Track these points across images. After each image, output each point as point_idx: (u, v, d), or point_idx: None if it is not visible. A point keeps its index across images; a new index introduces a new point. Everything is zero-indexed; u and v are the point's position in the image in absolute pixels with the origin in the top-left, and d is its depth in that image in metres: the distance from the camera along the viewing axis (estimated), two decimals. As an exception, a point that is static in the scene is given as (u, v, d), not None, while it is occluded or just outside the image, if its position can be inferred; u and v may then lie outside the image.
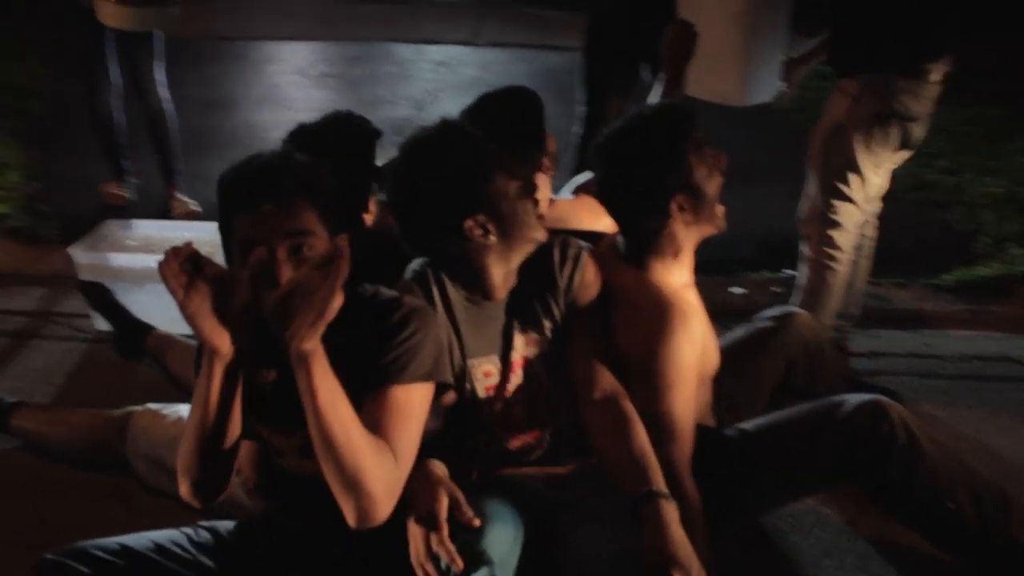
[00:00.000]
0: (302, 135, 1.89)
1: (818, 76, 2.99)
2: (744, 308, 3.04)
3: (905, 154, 2.54)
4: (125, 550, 1.57)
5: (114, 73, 3.62)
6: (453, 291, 1.68)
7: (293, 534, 1.64)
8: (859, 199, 2.52)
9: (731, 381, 2.03)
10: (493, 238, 1.61)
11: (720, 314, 3.08)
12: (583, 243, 1.78)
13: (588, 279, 1.76)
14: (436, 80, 5.64)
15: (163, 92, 3.69)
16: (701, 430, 1.83)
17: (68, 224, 3.45)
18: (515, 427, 1.72)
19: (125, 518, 2.11)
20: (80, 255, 2.86)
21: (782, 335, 2.13)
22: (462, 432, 1.69)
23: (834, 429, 1.83)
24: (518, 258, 1.70)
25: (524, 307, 1.72)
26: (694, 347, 1.74)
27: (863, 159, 2.44)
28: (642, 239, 1.81)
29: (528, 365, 1.71)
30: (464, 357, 1.68)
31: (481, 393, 1.69)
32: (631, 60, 3.29)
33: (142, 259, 2.78)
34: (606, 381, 1.69)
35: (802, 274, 2.68)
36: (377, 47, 6.30)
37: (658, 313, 1.72)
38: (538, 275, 1.72)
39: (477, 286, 1.68)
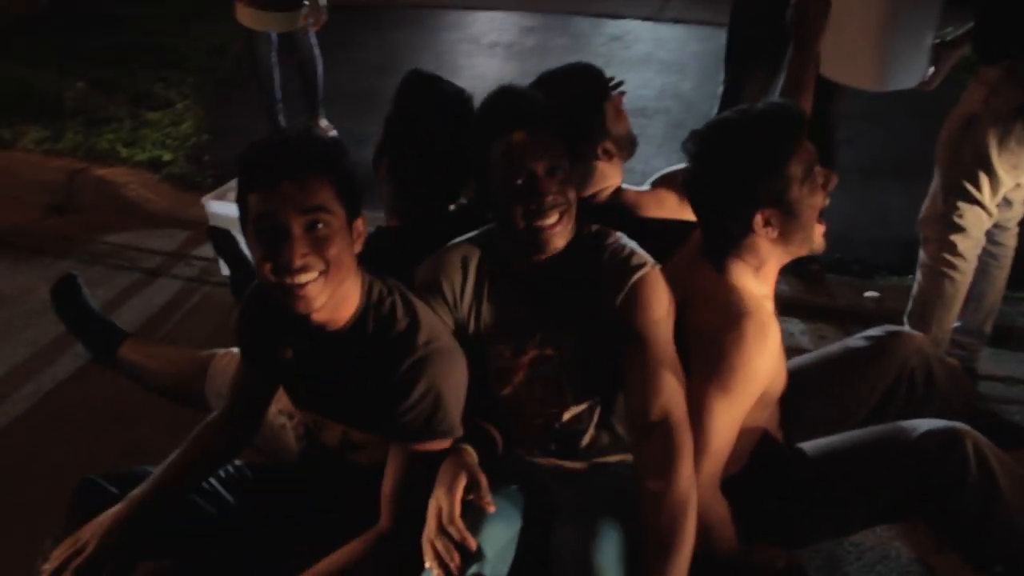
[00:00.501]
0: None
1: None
2: (874, 314, 2.81)
3: None
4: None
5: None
6: (500, 262, 1.64)
7: (320, 490, 1.68)
8: (988, 202, 2.23)
9: (814, 404, 1.87)
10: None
11: (847, 318, 2.90)
12: (647, 258, 1.59)
13: (644, 298, 1.54)
14: (606, 55, 5.50)
15: (313, 41, 3.99)
16: (764, 447, 1.71)
17: (223, 174, 3.67)
18: (522, 415, 1.64)
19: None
20: (211, 204, 3.04)
21: (881, 359, 1.91)
22: (481, 405, 1.64)
23: (900, 455, 1.64)
24: None
25: (564, 304, 1.60)
26: (766, 362, 1.54)
27: (996, 157, 2.14)
28: (722, 242, 1.62)
29: (541, 362, 1.62)
30: (480, 331, 1.64)
31: (492, 372, 1.63)
32: (776, 35, 3.02)
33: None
34: (660, 405, 1.47)
35: (917, 281, 2.41)
36: (555, 19, 6.25)
37: (735, 318, 1.53)
38: (590, 278, 1.58)
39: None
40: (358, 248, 1.49)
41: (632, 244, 1.61)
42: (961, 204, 2.24)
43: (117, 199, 3.66)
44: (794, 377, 1.95)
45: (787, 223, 1.56)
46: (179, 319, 2.86)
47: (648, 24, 6.19)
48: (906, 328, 2.15)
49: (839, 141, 3.09)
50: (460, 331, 1.64)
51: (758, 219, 1.54)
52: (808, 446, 1.76)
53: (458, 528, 1.38)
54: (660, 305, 1.55)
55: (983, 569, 1.72)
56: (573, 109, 1.76)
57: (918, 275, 2.40)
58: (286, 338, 1.60)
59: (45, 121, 4.27)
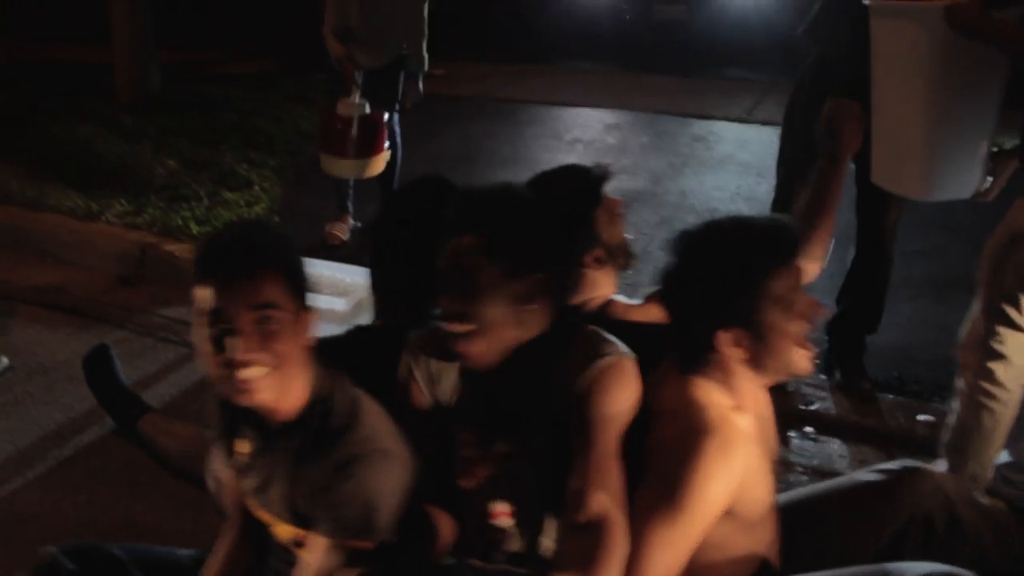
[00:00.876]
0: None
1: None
2: (926, 440, 2.58)
3: None
4: (110, 558, 1.68)
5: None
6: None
7: None
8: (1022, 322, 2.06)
9: (816, 538, 1.74)
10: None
11: (895, 444, 2.69)
12: (622, 349, 1.52)
13: (604, 386, 1.47)
14: (685, 154, 5.47)
15: (396, 129, 4.12)
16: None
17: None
18: (479, 512, 1.56)
19: (189, 529, 2.27)
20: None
21: (891, 497, 1.77)
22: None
23: None
24: None
25: (523, 401, 1.54)
26: (726, 482, 1.42)
27: None
28: (688, 353, 1.52)
29: (509, 460, 1.55)
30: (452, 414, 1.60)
31: (458, 461, 1.57)
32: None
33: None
34: (599, 502, 1.40)
35: (953, 410, 2.21)
36: (641, 116, 6.28)
37: (694, 432, 1.43)
38: (552, 371, 1.51)
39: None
40: (307, 341, 1.48)
41: (610, 337, 1.53)
42: (1001, 329, 2.08)
43: (182, 274, 3.80)
44: (798, 507, 1.83)
45: (756, 347, 1.45)
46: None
47: (736, 125, 6.15)
48: (925, 464, 1.96)
49: (912, 251, 2.94)
50: (437, 411, 1.61)
51: (723, 337, 1.44)
52: None
53: None
54: (620, 398, 1.47)
55: None
56: (561, 213, 1.71)
57: (955, 404, 2.23)
58: (244, 430, 1.59)
59: (131, 195, 4.51)
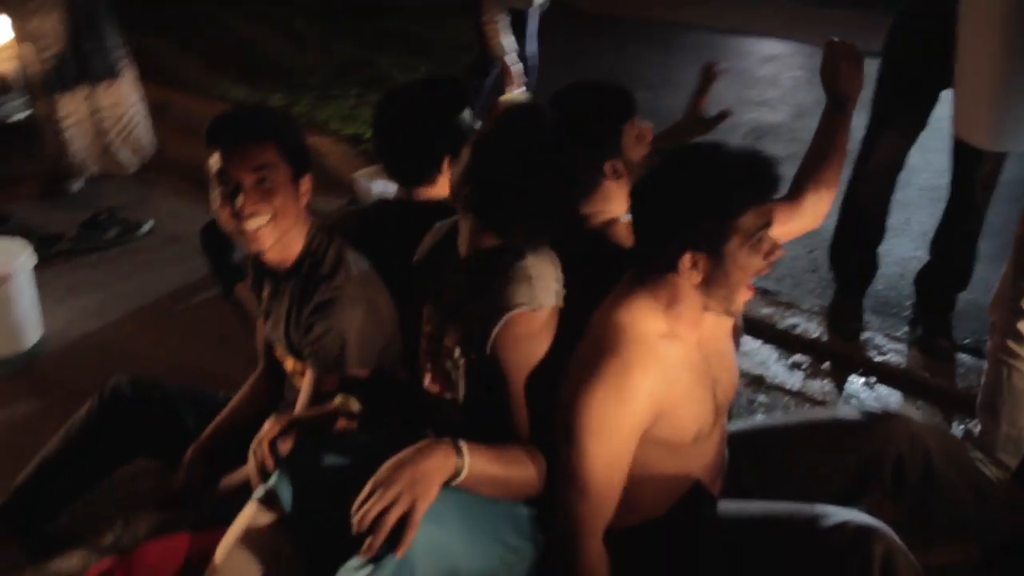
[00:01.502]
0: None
1: None
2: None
3: None
4: (165, 392, 2.05)
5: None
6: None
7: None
8: None
9: (785, 464, 1.80)
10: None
11: (961, 405, 2.59)
12: (541, 299, 1.56)
13: (510, 336, 1.55)
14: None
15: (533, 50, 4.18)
16: (690, 498, 1.65)
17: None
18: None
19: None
20: (360, 180, 3.37)
21: (862, 434, 1.80)
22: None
23: (806, 542, 1.55)
24: None
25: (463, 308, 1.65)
26: (631, 403, 1.47)
27: None
28: (647, 270, 1.55)
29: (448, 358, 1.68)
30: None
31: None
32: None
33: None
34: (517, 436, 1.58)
35: (985, 371, 2.14)
36: (802, 49, 5.97)
37: (601, 353, 1.49)
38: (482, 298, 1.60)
39: None
40: (304, 202, 1.78)
41: (541, 280, 1.58)
42: None
43: (314, 165, 4.11)
44: (773, 433, 1.87)
45: (714, 273, 1.48)
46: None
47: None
48: (902, 413, 1.95)
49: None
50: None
51: (686, 258, 1.48)
52: (730, 506, 1.67)
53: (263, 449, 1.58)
54: (523, 349, 1.56)
55: None
56: (591, 120, 1.79)
57: (987, 364, 2.15)
58: (264, 279, 1.90)
59: (288, 91, 4.89)
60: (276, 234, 1.72)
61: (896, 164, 2.74)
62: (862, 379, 2.76)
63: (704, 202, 1.46)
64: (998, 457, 2.14)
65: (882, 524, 1.50)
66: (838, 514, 1.53)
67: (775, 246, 1.49)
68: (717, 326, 1.65)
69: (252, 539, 1.57)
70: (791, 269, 3.32)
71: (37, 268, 2.84)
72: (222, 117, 1.76)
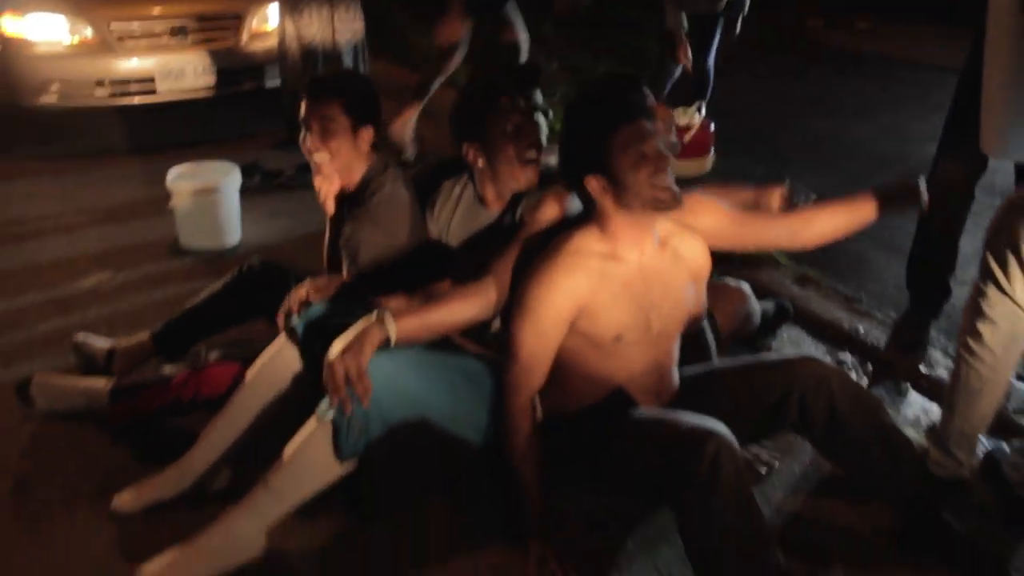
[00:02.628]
0: None
1: None
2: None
3: None
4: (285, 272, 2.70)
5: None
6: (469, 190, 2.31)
7: None
8: (1020, 297, 2.07)
9: (706, 403, 2.08)
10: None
11: None
12: (560, 192, 2.12)
13: (541, 214, 2.11)
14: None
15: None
16: (607, 404, 2.07)
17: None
18: None
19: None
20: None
21: (772, 373, 2.10)
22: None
23: (664, 440, 1.87)
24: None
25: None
26: (555, 295, 1.92)
27: None
28: (585, 212, 2.01)
29: None
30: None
31: None
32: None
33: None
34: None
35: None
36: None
37: (540, 258, 1.96)
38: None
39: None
40: (364, 147, 2.37)
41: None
42: (989, 290, 2.11)
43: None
44: (701, 377, 2.21)
45: (617, 189, 1.89)
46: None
47: None
48: (819, 358, 2.16)
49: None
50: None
51: (591, 184, 1.91)
52: (639, 410, 2.04)
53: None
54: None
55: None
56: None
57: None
58: (342, 202, 2.51)
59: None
60: (333, 167, 2.36)
61: (963, 192, 2.76)
62: (904, 387, 2.87)
63: (582, 134, 1.92)
64: (951, 449, 2.26)
65: (727, 431, 1.80)
66: (698, 420, 1.86)
67: (660, 158, 1.88)
68: (672, 267, 2.05)
69: (275, 362, 2.20)
70: (883, 285, 3.44)
71: (255, 194, 3.71)
72: (314, 79, 2.47)
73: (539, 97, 2.38)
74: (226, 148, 4.43)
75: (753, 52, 6.93)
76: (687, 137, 4.40)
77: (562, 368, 2.04)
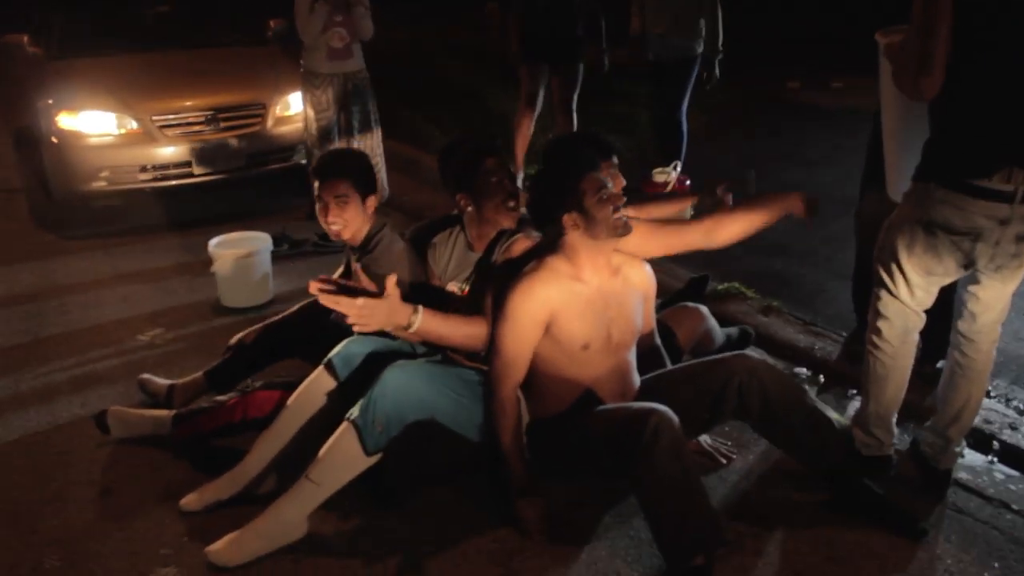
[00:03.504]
0: None
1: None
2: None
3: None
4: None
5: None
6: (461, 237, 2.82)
7: None
8: (905, 298, 2.54)
9: (662, 393, 2.53)
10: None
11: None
12: (531, 233, 2.65)
13: (514, 248, 2.65)
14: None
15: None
16: (579, 407, 2.53)
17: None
18: None
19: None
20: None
21: (712, 369, 2.57)
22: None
23: (619, 425, 2.34)
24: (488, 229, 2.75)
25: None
26: (532, 302, 2.40)
27: (905, 260, 2.48)
28: (551, 245, 2.52)
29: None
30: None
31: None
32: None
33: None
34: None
35: None
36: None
37: (523, 274, 2.47)
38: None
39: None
40: (370, 212, 2.91)
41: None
42: (883, 294, 2.58)
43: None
44: (662, 377, 2.67)
45: (587, 222, 2.40)
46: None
47: None
48: (748, 353, 2.63)
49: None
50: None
51: (566, 219, 2.41)
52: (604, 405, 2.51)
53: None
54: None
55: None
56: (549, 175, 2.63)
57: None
58: (350, 253, 3.04)
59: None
60: (348, 232, 2.89)
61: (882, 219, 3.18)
62: (851, 392, 3.31)
63: (556, 181, 2.44)
64: (871, 430, 2.69)
65: (666, 409, 2.26)
66: (643, 404, 2.34)
67: (617, 197, 2.40)
68: (624, 290, 2.55)
69: (312, 389, 2.68)
70: (838, 308, 3.91)
71: (284, 259, 4.25)
72: (323, 159, 3.03)
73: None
74: (257, 221, 4.96)
75: (731, 116, 7.56)
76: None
77: (540, 375, 2.53)
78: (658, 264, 2.75)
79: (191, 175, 5.37)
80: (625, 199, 2.44)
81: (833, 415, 2.63)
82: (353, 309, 2.27)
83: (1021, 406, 3.18)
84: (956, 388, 2.64)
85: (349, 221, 2.87)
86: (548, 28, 5.52)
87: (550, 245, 2.53)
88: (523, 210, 2.73)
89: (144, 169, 5.29)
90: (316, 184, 2.90)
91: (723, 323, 3.71)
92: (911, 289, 2.51)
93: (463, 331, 2.54)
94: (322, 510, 2.49)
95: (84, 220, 5.44)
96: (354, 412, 2.43)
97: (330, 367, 2.65)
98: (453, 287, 2.82)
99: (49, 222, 5.55)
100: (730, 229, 2.69)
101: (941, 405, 2.69)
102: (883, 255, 2.56)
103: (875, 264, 2.62)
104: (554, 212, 2.44)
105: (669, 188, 4.93)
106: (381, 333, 2.69)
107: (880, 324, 2.61)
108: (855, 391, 3.29)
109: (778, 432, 2.52)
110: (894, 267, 2.52)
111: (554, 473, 2.58)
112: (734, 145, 6.81)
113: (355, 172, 2.89)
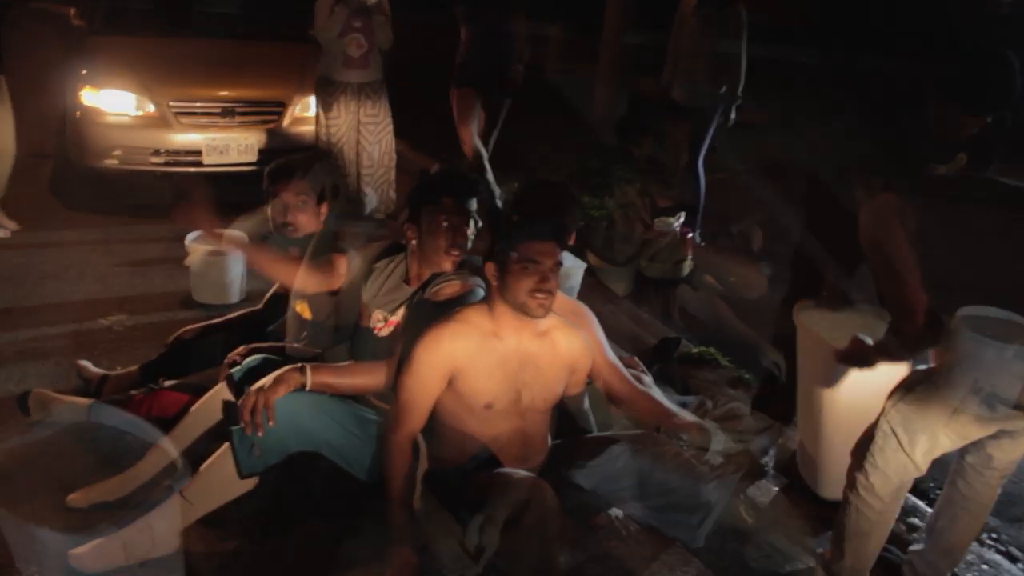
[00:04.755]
0: None
1: None
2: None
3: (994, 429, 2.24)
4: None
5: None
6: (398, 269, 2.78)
7: None
8: (919, 457, 2.29)
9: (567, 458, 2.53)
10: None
11: None
12: (467, 278, 2.59)
13: (443, 290, 2.59)
14: None
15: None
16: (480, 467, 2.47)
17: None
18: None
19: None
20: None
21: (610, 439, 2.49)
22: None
23: (487, 493, 2.30)
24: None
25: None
26: (436, 353, 2.34)
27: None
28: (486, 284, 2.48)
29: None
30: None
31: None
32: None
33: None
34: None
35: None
36: None
37: (435, 326, 2.40)
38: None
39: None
40: (323, 215, 3.00)
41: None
42: (889, 446, 2.30)
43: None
44: (573, 440, 2.58)
45: (503, 280, 2.35)
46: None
47: None
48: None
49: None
50: None
51: (489, 268, 2.37)
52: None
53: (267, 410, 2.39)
54: None
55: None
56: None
57: (843, 500, 2.45)
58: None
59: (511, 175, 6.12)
60: (301, 233, 2.96)
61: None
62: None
63: (504, 229, 2.40)
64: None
65: (545, 486, 2.21)
66: (529, 476, 2.29)
67: (546, 277, 2.31)
68: (548, 355, 2.47)
69: (214, 400, 2.67)
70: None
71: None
72: (280, 163, 3.06)
73: (473, 206, 2.84)
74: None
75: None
76: (663, 242, 4.83)
77: (442, 426, 2.46)
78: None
79: (200, 164, 5.42)
80: (552, 285, 2.34)
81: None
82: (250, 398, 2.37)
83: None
84: (955, 520, 2.44)
85: (304, 223, 3.01)
86: (483, 58, 5.57)
87: (481, 296, 2.50)
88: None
89: (156, 152, 5.37)
90: (274, 184, 3.00)
91: (685, 389, 3.62)
92: (913, 445, 2.27)
93: (350, 382, 2.56)
94: (201, 527, 2.45)
95: (95, 194, 5.52)
96: (234, 432, 2.39)
97: (231, 382, 2.61)
98: (378, 315, 2.75)
99: (63, 192, 5.67)
100: (631, 408, 2.64)
101: (933, 536, 2.50)
102: (902, 404, 2.30)
103: (884, 416, 2.34)
104: (488, 255, 2.39)
105: (668, 240, 4.84)
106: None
107: (874, 479, 2.34)
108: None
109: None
110: (918, 423, 2.26)
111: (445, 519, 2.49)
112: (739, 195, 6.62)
113: (311, 175, 2.98)
